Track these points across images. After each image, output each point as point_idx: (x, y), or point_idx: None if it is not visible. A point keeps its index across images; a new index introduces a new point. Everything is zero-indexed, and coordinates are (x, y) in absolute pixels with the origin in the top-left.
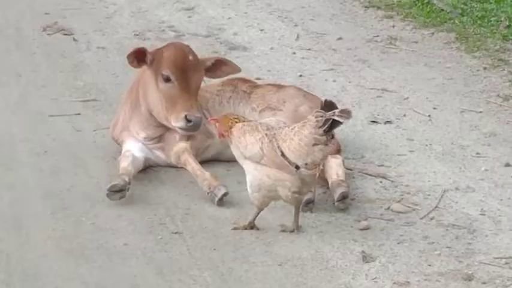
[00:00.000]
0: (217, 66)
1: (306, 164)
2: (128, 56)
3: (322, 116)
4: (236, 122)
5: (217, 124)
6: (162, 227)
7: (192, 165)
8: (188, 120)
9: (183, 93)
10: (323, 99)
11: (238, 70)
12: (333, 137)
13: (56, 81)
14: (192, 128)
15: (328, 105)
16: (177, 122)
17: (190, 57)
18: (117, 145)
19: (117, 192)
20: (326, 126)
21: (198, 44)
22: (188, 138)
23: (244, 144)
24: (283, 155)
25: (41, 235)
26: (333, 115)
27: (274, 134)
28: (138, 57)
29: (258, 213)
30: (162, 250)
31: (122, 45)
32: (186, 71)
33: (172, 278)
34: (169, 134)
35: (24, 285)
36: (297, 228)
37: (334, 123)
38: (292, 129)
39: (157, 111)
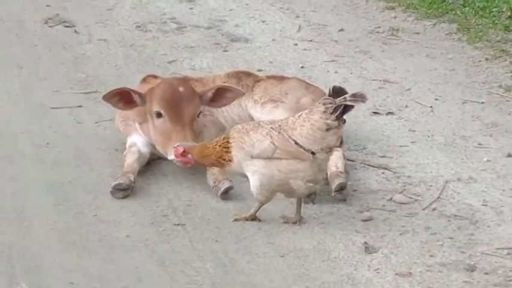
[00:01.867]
0: (221, 94)
1: (322, 149)
2: (108, 99)
3: (331, 103)
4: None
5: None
6: (165, 218)
7: None
8: None
9: (175, 127)
10: (331, 86)
11: (242, 94)
12: (345, 121)
13: (58, 74)
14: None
15: (337, 91)
16: (171, 156)
17: (181, 89)
18: (120, 136)
19: (121, 190)
20: (339, 112)
21: (200, 35)
22: (203, 133)
23: (251, 142)
24: (296, 143)
25: (43, 227)
26: (344, 100)
27: (280, 125)
28: (125, 98)
29: (260, 207)
30: (164, 242)
31: (124, 37)
32: (177, 104)
33: (174, 269)
34: None
35: (26, 277)
36: (299, 220)
37: (347, 108)
38: (299, 116)
39: (157, 146)
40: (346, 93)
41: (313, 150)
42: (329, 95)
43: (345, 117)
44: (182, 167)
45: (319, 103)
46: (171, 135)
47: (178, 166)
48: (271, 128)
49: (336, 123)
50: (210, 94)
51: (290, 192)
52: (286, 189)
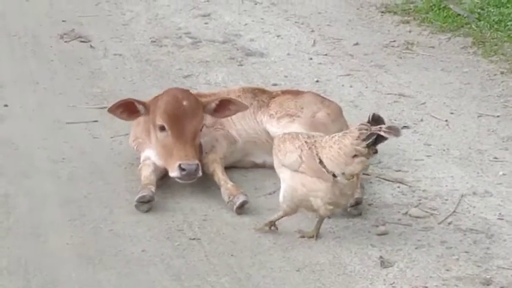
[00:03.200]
0: (225, 106)
1: (343, 174)
2: (112, 111)
3: (366, 129)
4: None
5: None
6: (180, 233)
7: (218, 175)
8: (182, 169)
9: (178, 142)
10: (371, 113)
11: (246, 108)
12: (376, 151)
13: (73, 89)
14: (187, 176)
15: (376, 120)
16: (172, 172)
17: (185, 103)
18: (135, 152)
19: (146, 203)
20: (370, 140)
21: (215, 50)
22: (216, 148)
23: (284, 152)
24: (321, 162)
25: (59, 242)
26: (379, 130)
27: (315, 141)
28: (129, 109)
29: (282, 217)
30: (180, 256)
31: (139, 52)
32: (180, 118)
33: (190, 284)
34: None
35: None
36: (316, 235)
37: (379, 138)
38: (332, 137)
39: (160, 159)
40: (383, 122)
41: (334, 173)
42: (368, 122)
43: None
44: (184, 183)
45: (356, 128)
46: (172, 151)
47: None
48: (306, 141)
49: (365, 150)
50: (213, 105)
51: (312, 210)
52: (307, 205)
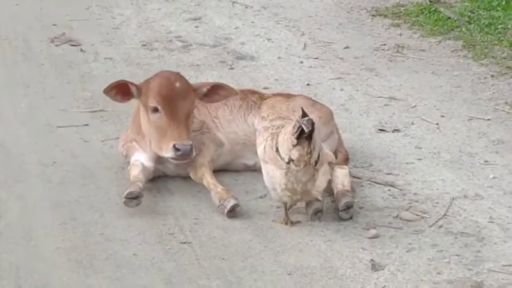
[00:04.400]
0: (214, 91)
1: (293, 160)
2: (107, 92)
3: (297, 121)
4: None
5: None
6: (171, 237)
7: (207, 179)
8: (177, 149)
9: (171, 123)
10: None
11: (236, 93)
12: (308, 140)
13: (64, 92)
14: (182, 157)
15: (304, 114)
16: (166, 152)
17: (177, 85)
18: (124, 157)
19: (134, 199)
20: (297, 132)
21: (206, 53)
22: (203, 151)
23: (257, 145)
24: (277, 150)
25: (50, 246)
26: (302, 122)
27: (279, 132)
28: (122, 91)
29: (285, 208)
30: (171, 260)
31: (130, 55)
32: (173, 99)
33: (181, 287)
34: None
35: None
36: (291, 222)
37: (304, 130)
38: (286, 127)
39: (152, 141)
40: (306, 115)
41: (286, 160)
42: (302, 114)
43: (348, 136)
44: (176, 163)
45: (296, 120)
46: (166, 132)
47: (185, 184)
48: (272, 133)
49: (295, 141)
50: (205, 89)
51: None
52: (276, 193)
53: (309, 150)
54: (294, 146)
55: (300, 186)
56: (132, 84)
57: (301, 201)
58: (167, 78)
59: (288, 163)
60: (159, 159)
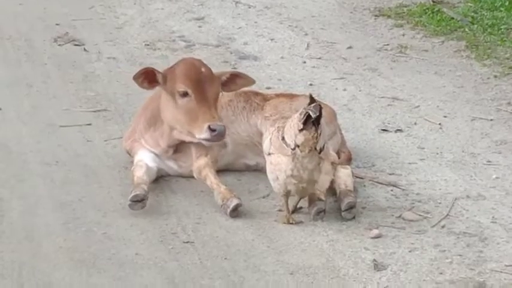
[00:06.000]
0: (232, 80)
1: (298, 146)
2: (136, 78)
3: (304, 108)
4: None
5: None
6: (174, 236)
7: (211, 179)
8: (212, 130)
9: (202, 105)
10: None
11: (253, 82)
12: (315, 125)
13: (67, 92)
14: (217, 137)
15: (312, 100)
16: (201, 134)
17: (203, 70)
18: (129, 156)
19: (139, 202)
20: (303, 117)
21: (209, 53)
22: (207, 152)
23: (263, 141)
24: (283, 138)
25: (53, 245)
26: (309, 109)
27: (285, 124)
28: (149, 78)
29: (286, 202)
30: (173, 259)
31: (133, 55)
32: (201, 83)
33: (184, 287)
34: (184, 146)
35: None
36: (291, 216)
37: (310, 116)
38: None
39: (180, 128)
40: (314, 102)
41: (292, 147)
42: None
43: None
44: (210, 144)
45: (303, 108)
46: (197, 115)
47: (187, 184)
48: (278, 126)
49: (301, 125)
50: (224, 78)
51: (286, 190)
52: (280, 184)
53: (315, 135)
54: (300, 130)
55: (307, 173)
56: (160, 72)
57: (303, 197)
58: (192, 64)
59: (294, 149)
60: (164, 156)
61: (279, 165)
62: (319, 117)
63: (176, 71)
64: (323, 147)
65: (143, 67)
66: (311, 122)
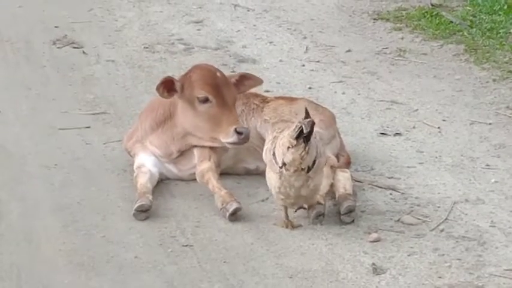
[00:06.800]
0: (241, 81)
1: (285, 165)
2: (157, 89)
3: (299, 122)
4: None
5: None
6: (173, 239)
7: (213, 183)
8: (239, 133)
9: (224, 110)
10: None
11: (261, 82)
12: (304, 142)
13: (66, 95)
14: (244, 139)
15: (307, 113)
16: (228, 138)
17: (219, 74)
18: (128, 157)
19: (144, 212)
20: (296, 133)
21: (208, 56)
22: (210, 156)
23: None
24: (274, 154)
25: (52, 248)
26: (303, 123)
27: (279, 136)
28: (168, 87)
29: (285, 211)
30: (172, 263)
31: (132, 58)
32: (220, 87)
33: None
34: (185, 150)
35: None
36: (292, 226)
37: (302, 131)
38: (286, 129)
39: (202, 134)
40: (309, 117)
41: (280, 164)
42: (305, 115)
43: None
44: (235, 147)
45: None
46: (221, 119)
47: (186, 187)
48: (274, 136)
49: (294, 142)
50: (233, 80)
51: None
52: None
53: (303, 154)
54: (289, 148)
55: (293, 191)
56: (176, 80)
57: (300, 205)
58: (208, 69)
59: (281, 167)
60: (167, 159)
61: (269, 180)
62: (309, 134)
63: (193, 77)
64: (313, 164)
65: (163, 77)
66: (302, 137)
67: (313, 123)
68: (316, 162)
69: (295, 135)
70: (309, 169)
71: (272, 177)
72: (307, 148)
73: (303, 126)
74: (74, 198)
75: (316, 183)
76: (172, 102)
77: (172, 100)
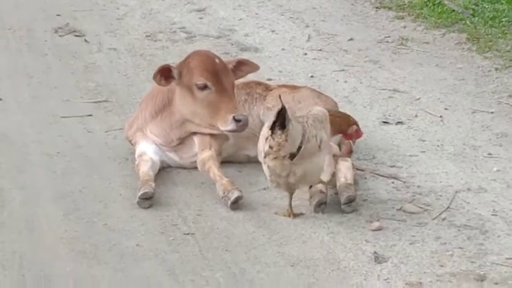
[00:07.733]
0: (238, 67)
1: (266, 154)
2: (154, 77)
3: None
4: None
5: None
6: (174, 228)
7: (214, 171)
8: (237, 121)
9: (223, 97)
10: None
11: (257, 68)
12: (280, 129)
13: (68, 83)
14: (242, 127)
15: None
16: (226, 126)
17: (217, 60)
18: (130, 145)
19: (147, 199)
20: (271, 123)
21: (210, 45)
22: (211, 144)
23: None
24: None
25: (53, 236)
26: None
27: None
28: (165, 74)
29: (290, 198)
30: (174, 251)
31: (133, 46)
32: (219, 74)
33: (184, 279)
34: (186, 138)
35: (36, 286)
36: (293, 214)
37: (276, 121)
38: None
39: (200, 121)
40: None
41: (263, 155)
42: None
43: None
44: (233, 134)
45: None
46: (219, 107)
47: (188, 175)
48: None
49: (269, 132)
50: (231, 66)
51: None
52: None
53: (280, 141)
54: (267, 138)
55: (282, 179)
56: (173, 67)
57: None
58: (207, 56)
59: (265, 157)
60: (167, 147)
61: (264, 170)
62: (284, 121)
63: (191, 64)
64: (298, 151)
65: (160, 65)
66: (276, 126)
67: (281, 110)
68: (302, 147)
69: (270, 125)
70: (293, 156)
71: (263, 167)
72: (283, 136)
73: (273, 115)
74: (75, 186)
75: (307, 169)
76: (171, 90)
77: (170, 87)
